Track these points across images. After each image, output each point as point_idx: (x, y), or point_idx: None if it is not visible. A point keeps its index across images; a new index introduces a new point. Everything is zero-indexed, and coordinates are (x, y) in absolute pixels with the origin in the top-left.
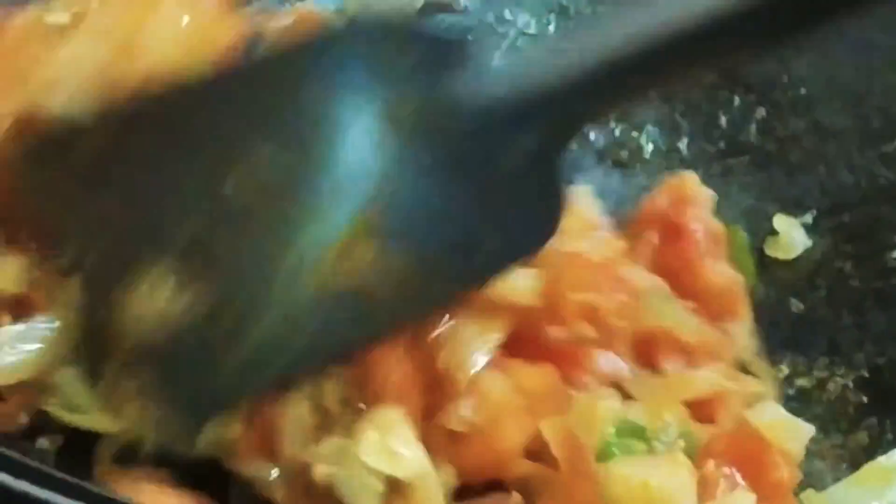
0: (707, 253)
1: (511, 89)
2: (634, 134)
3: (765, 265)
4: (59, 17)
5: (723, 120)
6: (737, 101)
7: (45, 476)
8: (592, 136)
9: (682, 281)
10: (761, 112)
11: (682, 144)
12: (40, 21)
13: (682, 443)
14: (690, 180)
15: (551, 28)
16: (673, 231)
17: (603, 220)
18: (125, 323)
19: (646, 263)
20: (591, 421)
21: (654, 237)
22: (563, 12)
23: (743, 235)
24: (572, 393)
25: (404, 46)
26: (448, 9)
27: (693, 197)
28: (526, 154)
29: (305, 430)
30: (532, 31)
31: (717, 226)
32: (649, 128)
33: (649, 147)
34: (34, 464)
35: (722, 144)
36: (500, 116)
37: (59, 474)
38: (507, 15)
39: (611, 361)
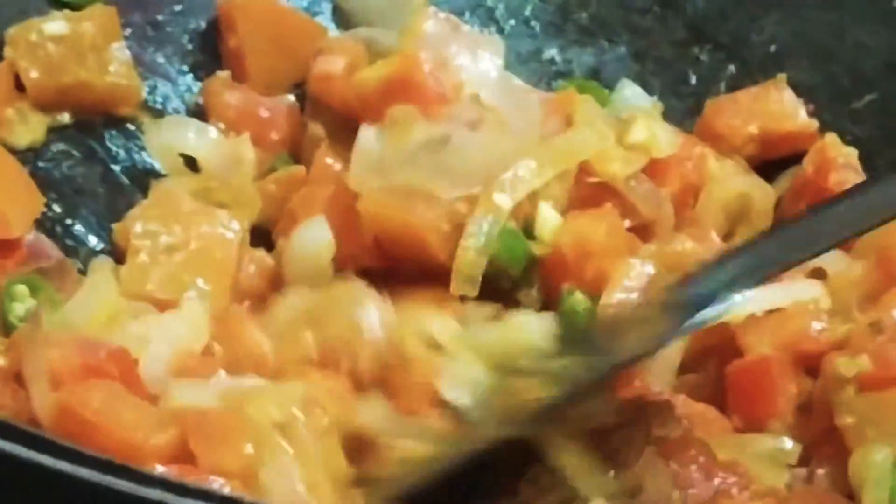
0: None
1: None
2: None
3: None
4: None
5: (693, 78)
6: (706, 58)
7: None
8: None
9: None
10: (731, 69)
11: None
12: None
13: None
14: (831, 143)
15: None
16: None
17: None
18: None
19: None
20: None
21: (803, 206)
22: None
23: None
24: None
25: None
26: None
27: (834, 159)
28: None
29: None
30: None
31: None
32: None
33: None
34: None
35: (692, 102)
36: None
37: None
38: None
39: None
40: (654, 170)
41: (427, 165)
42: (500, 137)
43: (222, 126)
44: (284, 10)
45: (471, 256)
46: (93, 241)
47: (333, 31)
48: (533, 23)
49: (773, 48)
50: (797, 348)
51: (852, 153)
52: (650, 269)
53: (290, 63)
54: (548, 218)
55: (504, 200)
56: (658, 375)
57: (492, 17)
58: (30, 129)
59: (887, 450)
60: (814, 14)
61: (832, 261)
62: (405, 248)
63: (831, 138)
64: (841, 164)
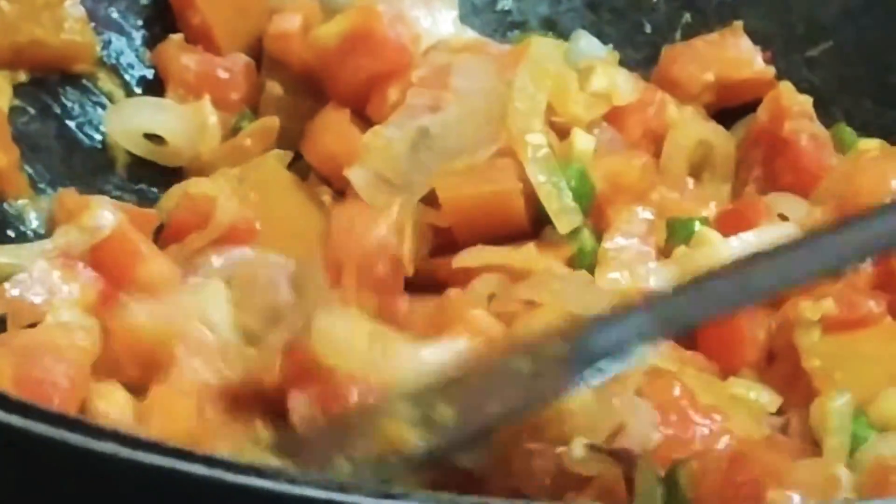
0: (815, 158)
1: None
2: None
3: None
4: None
5: (648, 27)
6: (662, 7)
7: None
8: None
9: (800, 192)
10: (687, 18)
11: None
12: None
13: None
14: (786, 91)
15: None
16: (779, 145)
17: None
18: None
19: (758, 184)
20: None
21: (759, 155)
22: None
23: (849, 131)
24: None
25: None
26: None
27: (788, 108)
28: None
29: None
30: None
31: (820, 129)
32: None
33: None
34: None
35: (648, 51)
36: None
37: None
38: None
39: None
40: (615, 117)
41: (430, 159)
42: (466, 107)
43: (181, 91)
44: None
45: (551, 189)
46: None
47: None
48: None
49: None
50: None
51: (807, 101)
52: (649, 215)
53: (250, 24)
54: (583, 141)
55: (535, 138)
56: None
57: None
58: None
59: (847, 396)
60: None
61: (792, 207)
62: (492, 218)
63: (786, 86)
64: (796, 112)
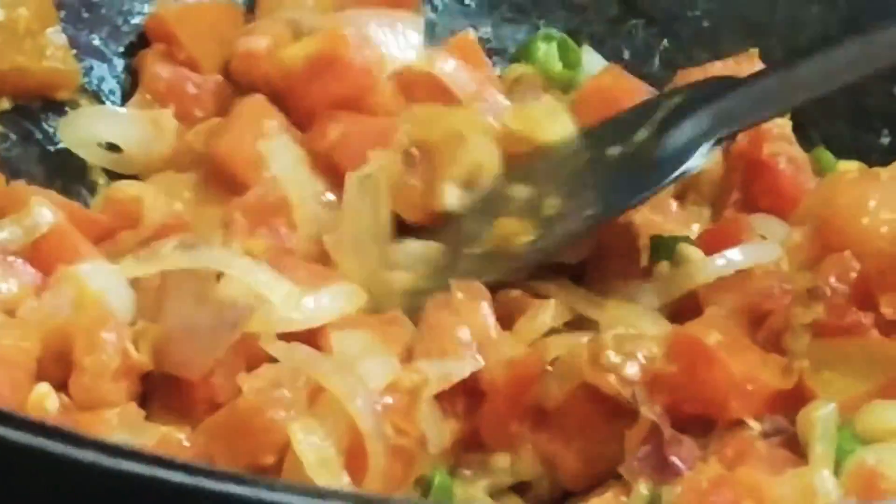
0: (794, 181)
1: None
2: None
3: None
4: None
5: (626, 53)
6: (640, 33)
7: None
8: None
9: (778, 215)
10: (664, 44)
11: None
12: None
13: None
14: None
15: None
16: (757, 168)
17: None
18: None
19: (738, 207)
20: None
21: (738, 178)
22: None
23: (829, 155)
24: None
25: None
26: None
27: (768, 130)
28: None
29: None
30: None
31: (799, 152)
32: None
33: None
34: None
35: None
36: None
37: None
38: None
39: None
40: None
41: None
42: None
43: (148, 97)
44: (207, 5)
45: None
46: None
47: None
48: (467, 0)
49: (705, 23)
50: (756, 307)
51: (786, 124)
52: None
53: (227, 50)
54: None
55: None
56: None
57: None
58: None
59: (832, 405)
60: None
61: (772, 228)
62: None
63: None
64: (775, 134)
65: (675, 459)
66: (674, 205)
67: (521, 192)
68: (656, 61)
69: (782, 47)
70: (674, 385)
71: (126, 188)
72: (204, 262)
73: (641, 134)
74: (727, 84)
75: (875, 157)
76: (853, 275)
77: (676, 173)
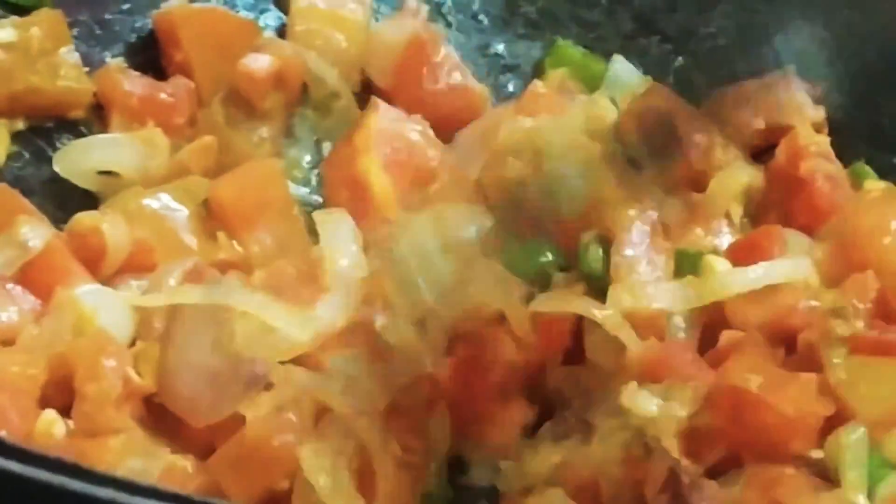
0: (831, 197)
1: None
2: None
3: None
4: None
5: (640, 70)
6: (654, 50)
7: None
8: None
9: (816, 230)
10: (679, 61)
11: None
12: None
13: None
14: (803, 131)
15: None
16: (795, 185)
17: None
18: None
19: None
20: None
21: (777, 196)
22: None
23: (867, 170)
24: None
25: None
26: None
27: (805, 147)
28: None
29: None
30: None
31: (837, 169)
32: None
33: None
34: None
35: None
36: None
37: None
38: None
39: None
40: None
41: None
42: None
43: (126, 118)
44: (220, 14)
45: None
46: None
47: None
48: (481, 17)
49: (720, 40)
50: (784, 323)
51: (824, 141)
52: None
53: (224, 62)
54: None
55: None
56: None
57: (440, 13)
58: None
59: (862, 429)
60: (760, 6)
61: (796, 243)
62: None
63: (803, 126)
64: (813, 151)
65: None
66: (724, 222)
67: None
68: (671, 79)
69: (796, 65)
70: (715, 436)
71: (84, 219)
72: (219, 300)
73: None
74: None
75: None
76: (873, 294)
77: None
